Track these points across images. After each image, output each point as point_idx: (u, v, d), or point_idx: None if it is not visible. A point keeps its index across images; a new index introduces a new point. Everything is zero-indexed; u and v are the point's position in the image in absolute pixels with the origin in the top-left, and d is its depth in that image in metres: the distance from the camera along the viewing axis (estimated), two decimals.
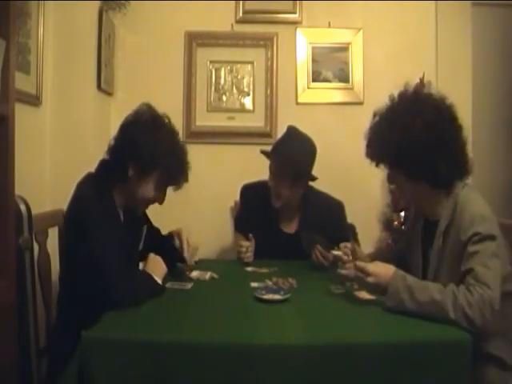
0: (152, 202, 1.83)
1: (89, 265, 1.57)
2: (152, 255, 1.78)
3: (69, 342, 1.36)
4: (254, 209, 2.41)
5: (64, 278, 1.73)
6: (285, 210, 2.35)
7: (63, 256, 1.78)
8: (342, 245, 1.97)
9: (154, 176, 1.75)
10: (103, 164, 1.78)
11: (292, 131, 2.35)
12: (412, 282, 1.51)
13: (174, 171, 1.78)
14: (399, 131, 1.62)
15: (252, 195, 2.47)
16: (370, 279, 1.57)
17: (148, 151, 1.68)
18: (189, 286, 1.81)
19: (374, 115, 1.74)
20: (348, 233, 2.25)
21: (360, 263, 1.63)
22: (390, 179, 1.76)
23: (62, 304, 1.72)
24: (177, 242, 2.04)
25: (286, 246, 2.22)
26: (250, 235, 2.26)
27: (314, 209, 2.34)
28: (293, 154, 2.23)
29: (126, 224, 1.82)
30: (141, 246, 1.95)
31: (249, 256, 2.23)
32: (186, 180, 1.86)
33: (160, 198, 1.82)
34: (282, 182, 2.24)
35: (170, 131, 1.81)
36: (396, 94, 1.73)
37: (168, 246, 2.04)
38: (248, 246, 2.23)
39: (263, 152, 2.37)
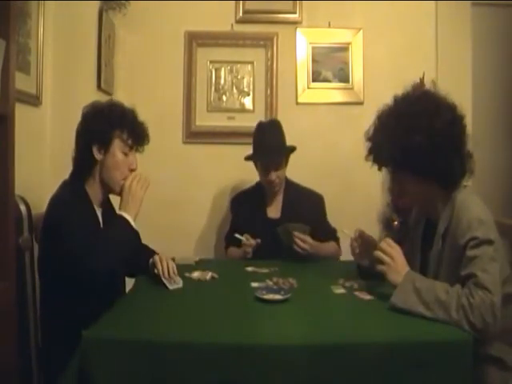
0: (127, 170, 1.81)
1: (67, 264, 1.57)
2: (127, 184, 1.76)
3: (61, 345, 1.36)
4: (243, 209, 2.56)
5: (46, 285, 1.72)
6: (271, 196, 2.51)
7: (41, 266, 1.74)
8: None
9: (116, 141, 1.79)
10: (73, 168, 1.83)
11: (261, 124, 2.54)
12: (420, 285, 1.52)
13: (132, 129, 1.82)
14: (415, 133, 1.59)
15: (241, 200, 2.64)
16: (387, 259, 1.59)
17: (99, 121, 1.76)
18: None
19: (378, 118, 1.73)
20: (329, 228, 2.39)
21: (392, 242, 1.65)
22: (396, 181, 1.76)
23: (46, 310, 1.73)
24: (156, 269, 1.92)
25: (271, 231, 2.30)
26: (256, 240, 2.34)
27: (296, 194, 2.51)
28: (277, 142, 2.43)
29: (104, 223, 1.83)
30: None
31: (249, 251, 2.32)
32: (148, 140, 1.87)
33: (132, 163, 1.83)
34: (279, 169, 2.41)
35: (113, 102, 1.88)
36: (400, 95, 1.72)
37: (144, 252, 2.04)
38: (251, 244, 2.31)
39: (249, 158, 2.51)
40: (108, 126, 1.76)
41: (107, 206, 1.91)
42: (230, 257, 2.57)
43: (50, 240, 1.65)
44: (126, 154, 1.80)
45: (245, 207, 2.56)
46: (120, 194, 1.79)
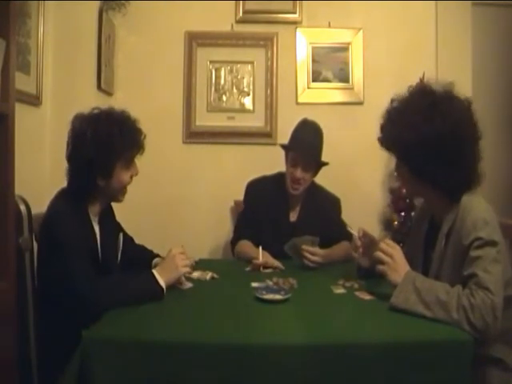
0: (130, 179, 1.82)
1: (62, 278, 1.57)
2: (172, 253, 1.73)
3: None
4: (262, 201, 2.44)
5: (41, 290, 1.71)
6: (294, 199, 2.44)
7: (39, 270, 1.73)
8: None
9: (119, 165, 1.75)
10: (72, 183, 1.76)
11: (307, 122, 2.44)
12: (420, 285, 1.52)
13: (132, 144, 1.77)
14: (408, 130, 1.62)
15: (259, 189, 2.50)
16: (387, 259, 1.59)
17: (100, 153, 1.68)
18: (189, 284, 1.81)
19: (392, 101, 1.73)
20: (343, 228, 2.29)
21: (391, 242, 1.66)
22: (397, 169, 1.79)
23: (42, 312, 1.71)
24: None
25: (289, 234, 2.25)
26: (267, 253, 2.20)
27: (315, 200, 2.45)
28: (316, 143, 2.37)
29: (102, 235, 1.82)
30: (119, 257, 1.94)
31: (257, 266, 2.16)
32: (145, 137, 1.82)
33: (135, 172, 1.82)
34: (307, 171, 2.35)
35: (108, 119, 1.76)
36: (415, 87, 1.73)
37: (144, 257, 2.04)
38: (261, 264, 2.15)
39: (285, 146, 2.43)
40: (111, 159, 1.72)
41: (105, 211, 1.89)
42: (240, 253, 2.39)
43: (48, 252, 1.64)
44: (128, 168, 1.79)
45: (264, 200, 2.43)
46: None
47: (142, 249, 2.10)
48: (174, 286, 1.73)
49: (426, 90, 1.71)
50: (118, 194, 1.82)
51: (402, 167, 1.73)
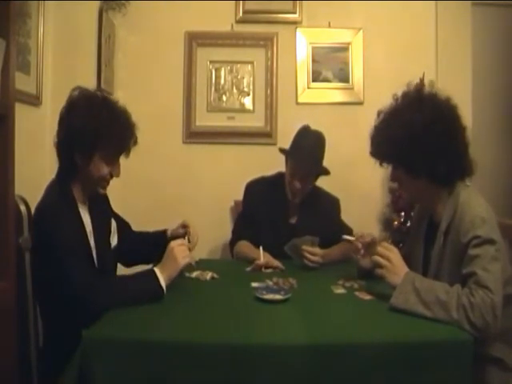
0: (109, 177, 1.79)
1: (60, 279, 1.56)
2: (171, 246, 1.73)
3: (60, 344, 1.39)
4: (261, 202, 2.43)
5: (41, 290, 1.69)
6: (294, 202, 2.42)
7: (37, 270, 1.70)
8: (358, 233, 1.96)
9: (100, 152, 1.72)
10: (58, 156, 1.76)
11: (309, 131, 2.39)
12: (420, 285, 1.52)
13: (118, 140, 1.74)
14: (400, 127, 1.64)
15: (259, 190, 2.49)
16: (385, 262, 1.59)
17: (83, 131, 1.67)
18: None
19: (378, 114, 1.76)
20: (343, 228, 2.31)
21: (388, 245, 1.67)
22: (393, 177, 1.79)
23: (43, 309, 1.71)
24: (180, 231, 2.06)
25: (289, 235, 2.24)
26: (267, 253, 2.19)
27: (314, 201, 2.43)
28: (316, 154, 2.32)
29: (93, 223, 1.80)
30: (115, 242, 1.93)
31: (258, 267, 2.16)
32: (135, 143, 1.80)
33: (115, 172, 1.79)
34: (306, 181, 2.33)
35: (105, 103, 1.76)
36: (399, 93, 1.75)
37: (145, 242, 2.05)
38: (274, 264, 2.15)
39: (285, 151, 2.39)
40: (92, 141, 1.69)
41: (95, 199, 1.86)
42: (239, 253, 2.38)
43: (44, 252, 1.62)
44: (109, 164, 1.76)
45: (263, 201, 2.42)
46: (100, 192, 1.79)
47: (144, 235, 2.10)
48: (175, 286, 1.72)
49: (410, 90, 1.75)
50: (95, 183, 1.77)
51: (398, 172, 1.74)
